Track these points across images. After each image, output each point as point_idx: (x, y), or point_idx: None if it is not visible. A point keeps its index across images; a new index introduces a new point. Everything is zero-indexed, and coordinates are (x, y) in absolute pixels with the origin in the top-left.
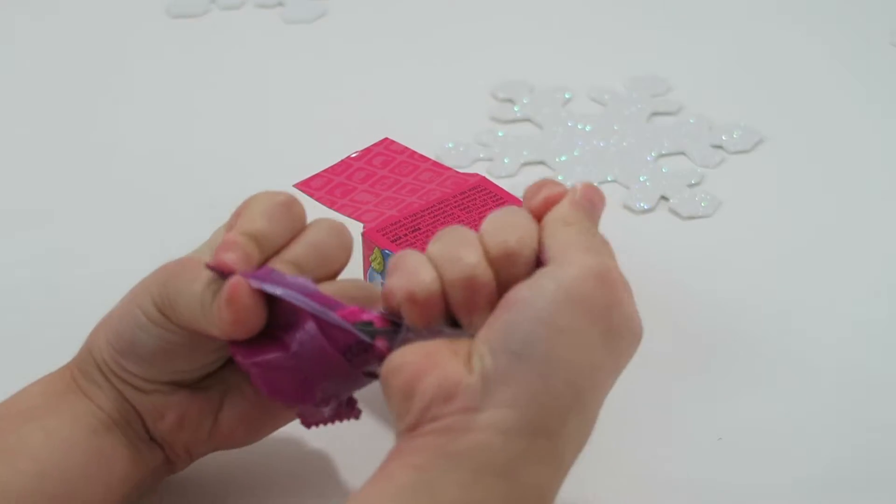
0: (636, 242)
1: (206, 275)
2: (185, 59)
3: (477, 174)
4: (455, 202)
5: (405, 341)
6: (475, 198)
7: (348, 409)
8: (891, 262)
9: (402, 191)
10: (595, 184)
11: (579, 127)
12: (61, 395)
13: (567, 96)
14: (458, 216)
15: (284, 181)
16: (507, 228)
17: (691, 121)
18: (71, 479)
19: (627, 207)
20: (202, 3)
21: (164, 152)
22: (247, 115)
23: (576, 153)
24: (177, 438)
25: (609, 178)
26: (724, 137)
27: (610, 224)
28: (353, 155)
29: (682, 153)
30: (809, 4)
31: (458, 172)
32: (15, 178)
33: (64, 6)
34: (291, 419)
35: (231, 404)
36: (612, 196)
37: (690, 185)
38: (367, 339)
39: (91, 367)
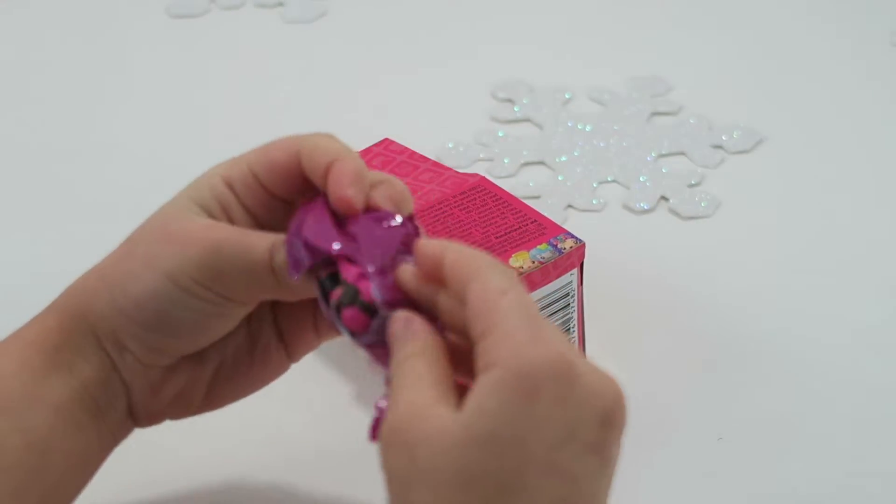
0: (636, 242)
1: (264, 242)
2: (185, 59)
3: (477, 174)
4: (455, 202)
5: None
6: (475, 198)
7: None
8: (891, 263)
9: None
10: (594, 185)
11: (579, 127)
12: (39, 374)
13: (567, 96)
14: (458, 216)
15: None
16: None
17: (691, 121)
18: (47, 484)
19: (627, 207)
20: (202, 3)
21: (163, 152)
22: (247, 115)
23: (576, 153)
24: (163, 412)
25: (609, 178)
26: (724, 137)
27: (610, 224)
28: None
29: (682, 153)
30: (809, 4)
31: (457, 172)
32: (14, 178)
33: (64, 6)
34: (268, 382)
35: (224, 372)
36: (613, 196)
37: (690, 186)
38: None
39: (82, 335)
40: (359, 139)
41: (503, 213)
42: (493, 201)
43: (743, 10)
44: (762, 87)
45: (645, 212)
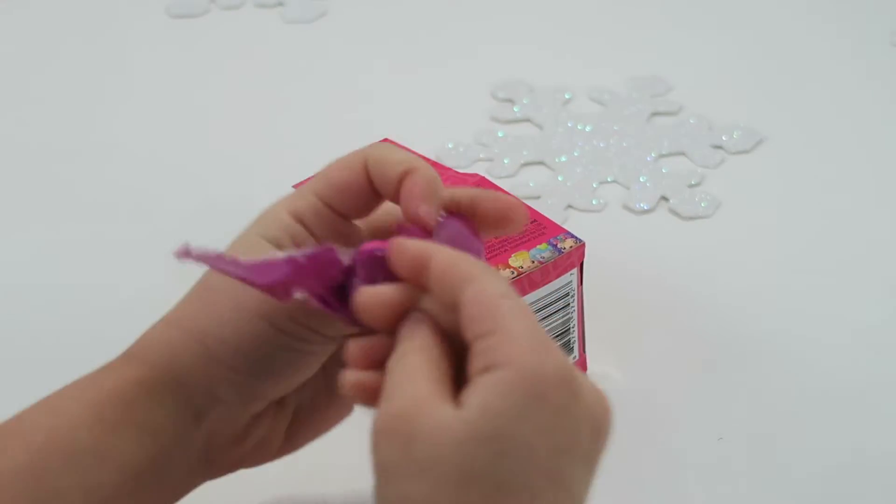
0: (636, 243)
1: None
2: (185, 59)
3: (476, 174)
4: None
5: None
6: None
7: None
8: (891, 263)
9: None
10: (594, 185)
11: (579, 127)
12: (111, 429)
13: (567, 96)
14: None
15: (284, 181)
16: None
17: (691, 121)
18: None
19: (627, 207)
20: (202, 3)
21: (163, 152)
22: (247, 114)
23: (576, 153)
24: (241, 461)
25: (609, 178)
26: (724, 137)
27: (610, 224)
28: None
29: (682, 153)
30: (809, 4)
31: (457, 172)
32: (14, 178)
33: (64, 6)
34: (340, 421)
35: (303, 415)
36: (613, 196)
37: (690, 186)
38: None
39: (165, 390)
40: (358, 139)
41: None
42: None
43: (743, 10)
44: (762, 87)
45: (645, 212)
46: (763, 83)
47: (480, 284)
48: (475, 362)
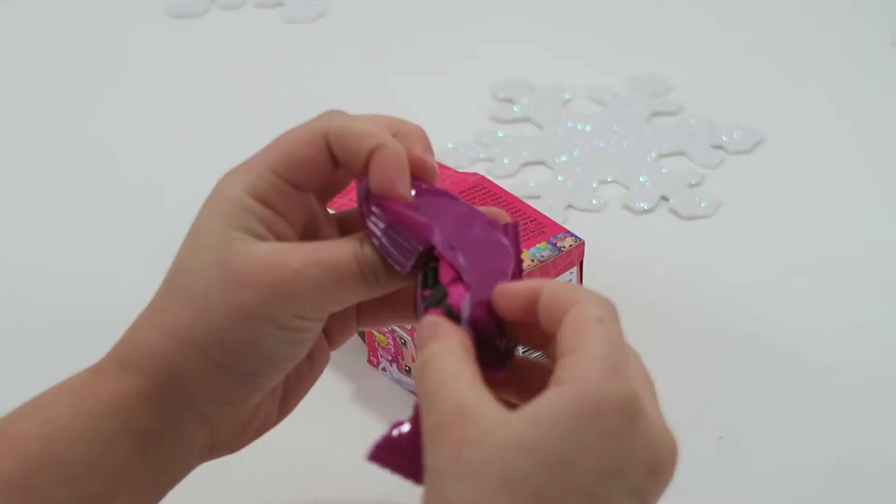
0: (636, 242)
1: (342, 253)
2: (185, 59)
3: (476, 173)
4: None
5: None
6: (474, 196)
7: None
8: (890, 263)
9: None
10: (594, 185)
11: (579, 127)
12: (108, 440)
13: (567, 96)
14: None
15: None
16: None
17: (691, 121)
18: None
19: (627, 207)
20: (202, 3)
21: (163, 152)
22: (246, 114)
23: (576, 153)
24: (244, 442)
25: (609, 178)
26: (724, 137)
27: (610, 224)
28: None
29: (682, 153)
30: (809, 5)
31: (457, 172)
32: (14, 178)
33: (64, 6)
34: (317, 378)
35: (291, 384)
36: (613, 196)
37: (690, 186)
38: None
39: (166, 400)
40: None
41: None
42: (492, 200)
43: (743, 10)
44: (762, 87)
45: (645, 212)
46: (763, 83)
47: (581, 306)
48: (552, 377)
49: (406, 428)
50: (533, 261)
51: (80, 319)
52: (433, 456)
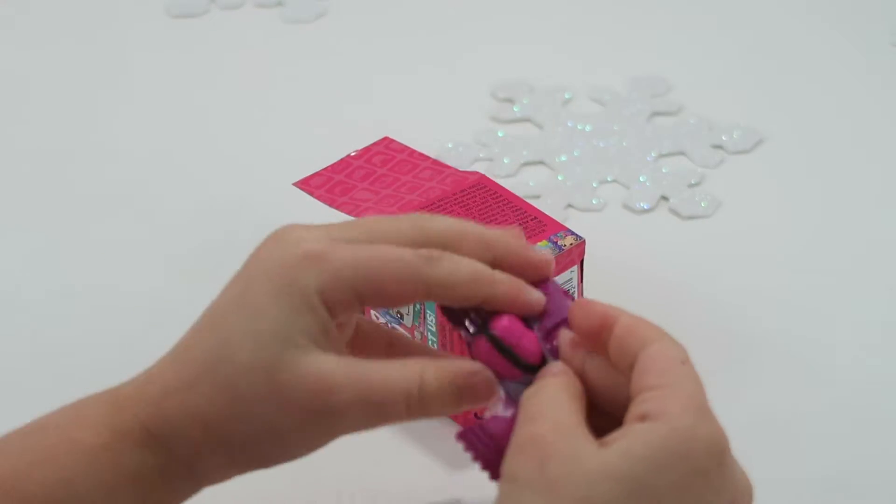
0: (636, 242)
1: (398, 389)
2: (185, 59)
3: (477, 172)
4: (455, 199)
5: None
6: (475, 195)
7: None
8: (891, 262)
9: (401, 189)
10: (594, 185)
11: (579, 127)
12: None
13: (567, 96)
14: (458, 214)
15: (284, 181)
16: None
17: (691, 121)
18: None
19: (627, 207)
20: (202, 3)
21: (163, 152)
22: (247, 114)
23: (576, 153)
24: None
25: (609, 178)
26: (724, 137)
27: (610, 224)
28: (353, 153)
29: (682, 153)
30: (809, 5)
31: (457, 170)
32: (14, 178)
33: (64, 7)
34: None
35: None
36: (613, 196)
37: (690, 185)
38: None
39: (187, 477)
40: (358, 139)
41: (503, 210)
42: (493, 199)
43: (743, 10)
44: (762, 87)
45: (645, 211)
46: (763, 83)
47: (663, 345)
48: (633, 409)
49: (503, 424)
50: None
51: (80, 319)
52: (516, 464)
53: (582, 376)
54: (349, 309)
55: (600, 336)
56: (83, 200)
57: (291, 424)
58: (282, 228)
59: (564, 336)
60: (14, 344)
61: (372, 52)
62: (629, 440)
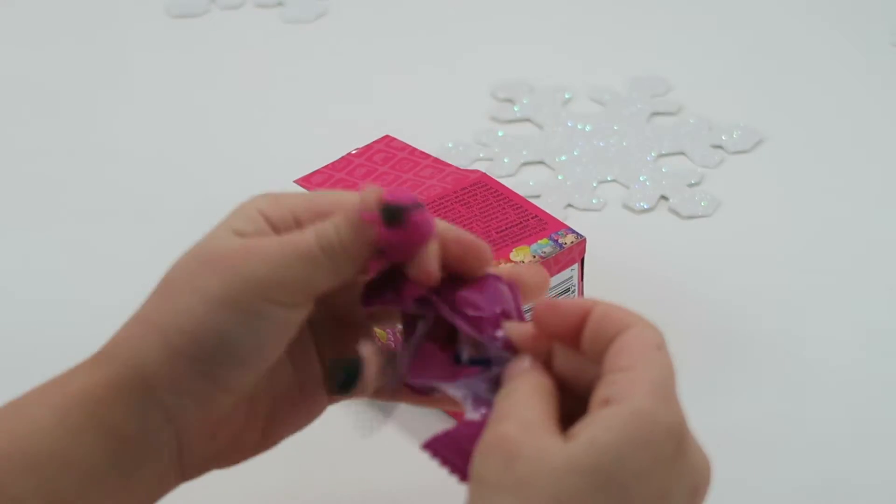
0: (636, 242)
1: (306, 236)
2: (185, 59)
3: (478, 170)
4: (455, 197)
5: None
6: (476, 193)
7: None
8: (891, 263)
9: (402, 186)
10: (594, 185)
11: (579, 127)
12: (75, 433)
13: (567, 96)
14: (459, 211)
15: (284, 181)
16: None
17: (691, 121)
18: None
19: (627, 207)
20: (202, 3)
21: (164, 152)
22: (247, 114)
23: (576, 153)
24: (216, 458)
25: (609, 178)
26: (723, 137)
27: (610, 224)
28: (354, 151)
29: (682, 153)
30: (809, 5)
31: (458, 169)
32: (14, 179)
33: (64, 6)
34: (311, 420)
35: (275, 412)
36: (612, 196)
37: (690, 185)
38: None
39: (132, 389)
40: (359, 139)
41: (504, 208)
42: (493, 197)
43: (743, 10)
44: (762, 87)
45: (645, 211)
46: (763, 83)
47: (639, 329)
48: (598, 392)
49: (468, 429)
50: (534, 257)
51: (80, 320)
52: (484, 466)
53: (550, 369)
54: (288, 230)
55: (576, 330)
56: (83, 200)
57: (216, 287)
58: None
59: (520, 329)
60: (14, 344)
61: (372, 52)
62: (592, 429)
